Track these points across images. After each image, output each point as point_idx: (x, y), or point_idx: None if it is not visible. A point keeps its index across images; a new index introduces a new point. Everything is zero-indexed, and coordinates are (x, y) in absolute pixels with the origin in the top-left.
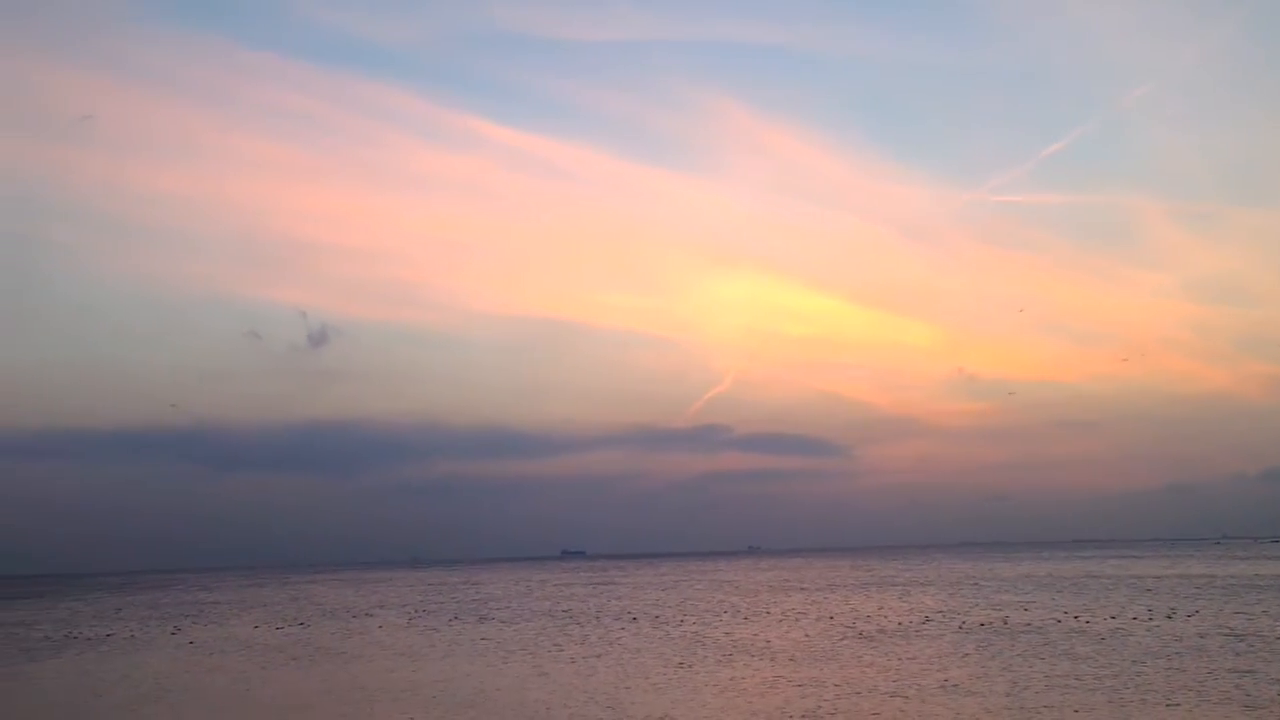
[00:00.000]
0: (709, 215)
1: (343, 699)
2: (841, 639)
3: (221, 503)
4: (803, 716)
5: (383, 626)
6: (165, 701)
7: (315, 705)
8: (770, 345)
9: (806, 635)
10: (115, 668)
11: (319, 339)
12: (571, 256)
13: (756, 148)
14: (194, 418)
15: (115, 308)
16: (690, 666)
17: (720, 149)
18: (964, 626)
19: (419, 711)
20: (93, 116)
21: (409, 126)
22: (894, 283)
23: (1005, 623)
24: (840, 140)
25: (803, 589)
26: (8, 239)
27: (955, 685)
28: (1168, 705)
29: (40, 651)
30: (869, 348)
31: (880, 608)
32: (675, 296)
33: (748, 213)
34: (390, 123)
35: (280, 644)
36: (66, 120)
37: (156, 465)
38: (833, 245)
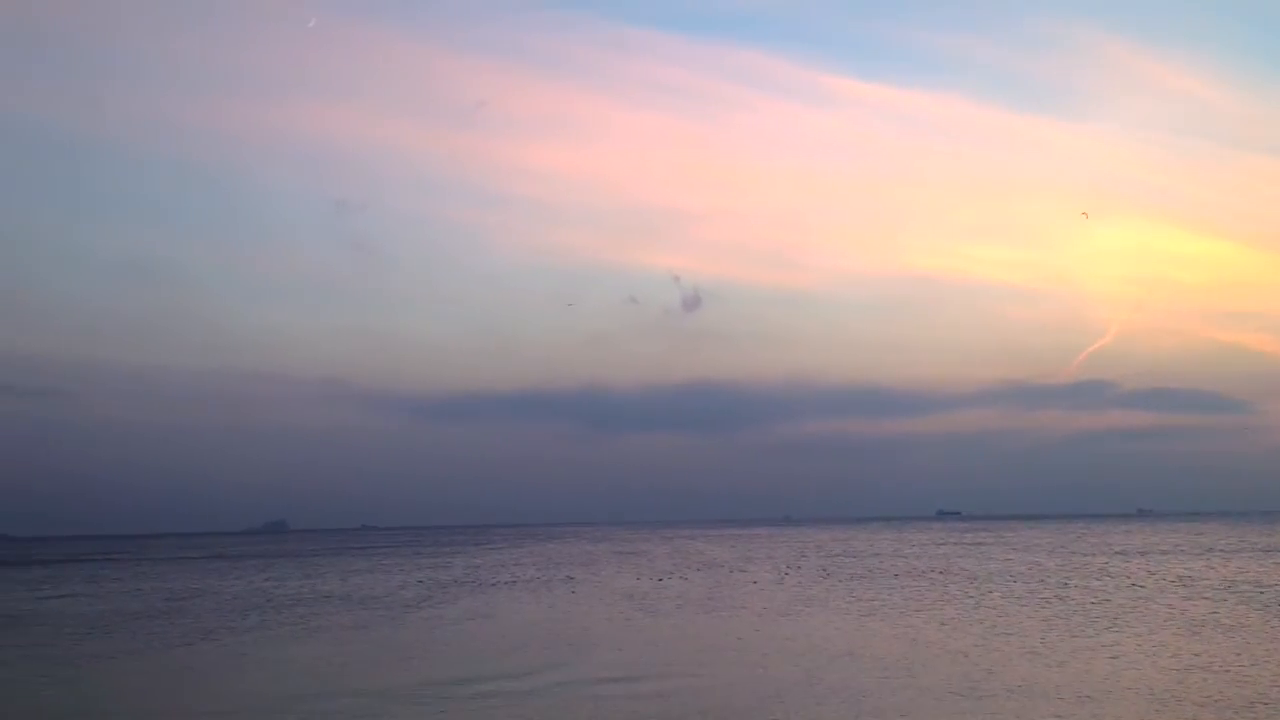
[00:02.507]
0: (1086, 160)
1: (718, 649)
2: (1242, 606)
3: (604, 460)
4: (1198, 690)
5: (755, 581)
6: (567, 640)
7: (690, 651)
8: (1158, 295)
9: (1207, 602)
10: (521, 609)
11: (692, 302)
12: (941, 211)
13: (1138, 85)
14: (580, 380)
15: (511, 280)
16: (1068, 631)
17: (1097, 89)
18: None
19: (792, 667)
20: (486, 103)
21: (777, 90)
22: None
23: None
24: (1236, 69)
25: (1200, 553)
26: (418, 221)
27: None
28: None
29: (459, 593)
30: (1274, 293)
31: None
32: (1051, 247)
33: (1129, 155)
34: (759, 87)
35: (658, 594)
36: (464, 106)
37: (548, 425)
38: (1228, 184)
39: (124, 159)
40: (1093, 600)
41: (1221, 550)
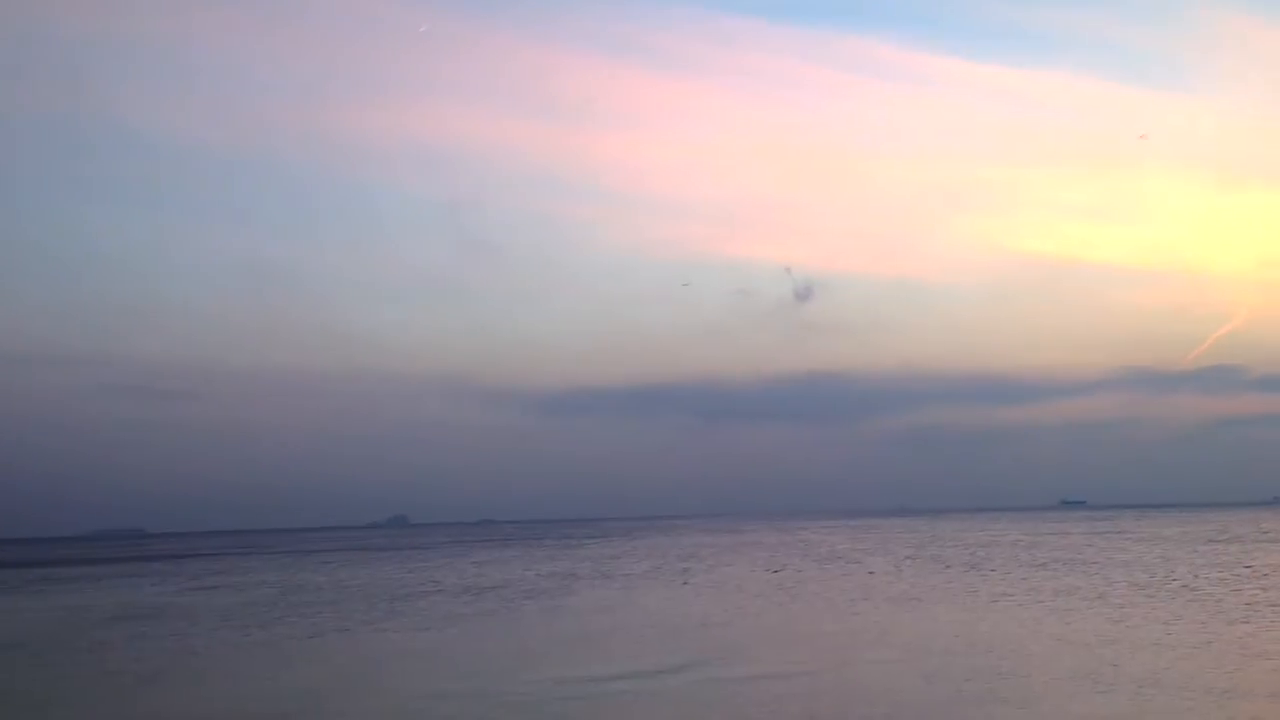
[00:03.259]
0: (1208, 135)
1: (835, 641)
2: None
3: (719, 452)
4: None
5: (872, 572)
6: (687, 632)
7: (807, 643)
8: None
9: None
10: (641, 601)
11: (804, 293)
12: (1056, 192)
13: (1261, 54)
14: (694, 373)
15: (623, 275)
16: (1198, 623)
17: (1216, 60)
18: None
19: (911, 658)
20: (596, 99)
21: (885, 75)
22: None
23: None
24: None
25: None
26: (532, 219)
27: None
28: None
29: (579, 586)
30: None
31: None
32: (1173, 226)
33: (1255, 127)
34: (867, 73)
35: (775, 586)
36: (574, 102)
37: (663, 418)
38: None
39: (246, 166)
40: (1224, 591)
41: None
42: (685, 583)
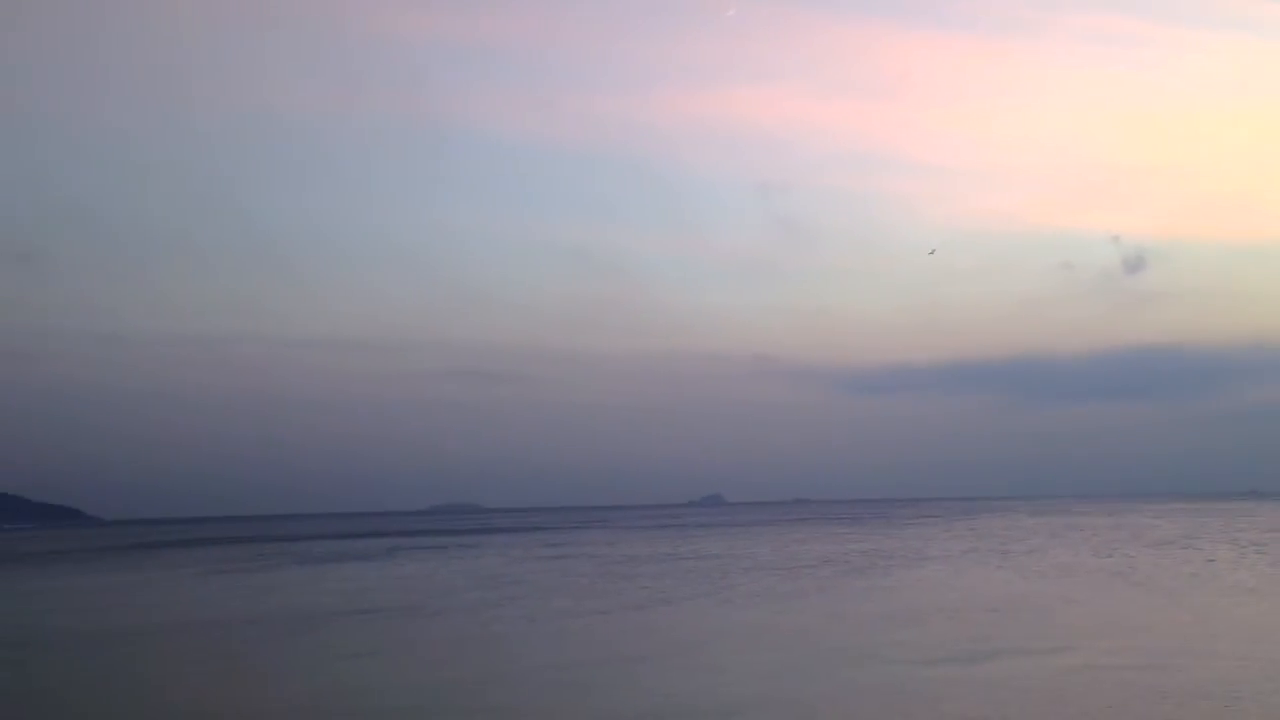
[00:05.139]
0: None
1: (1174, 632)
2: None
3: (1038, 431)
4: None
5: (1212, 560)
6: (1012, 614)
7: (1131, 634)
8: None
9: None
10: (962, 584)
11: (1135, 264)
12: None
13: None
14: (1011, 350)
15: (941, 249)
16: None
17: None
18: None
19: (1243, 649)
20: (910, 73)
21: (1228, 23)
22: None
23: None
24: None
25: None
26: (844, 197)
27: None
28: None
29: (897, 564)
30: None
31: None
32: None
33: None
34: (1207, 24)
35: (1101, 571)
36: (887, 78)
37: (978, 396)
38: None
39: (566, 155)
40: None
41: None
42: (1000, 566)
